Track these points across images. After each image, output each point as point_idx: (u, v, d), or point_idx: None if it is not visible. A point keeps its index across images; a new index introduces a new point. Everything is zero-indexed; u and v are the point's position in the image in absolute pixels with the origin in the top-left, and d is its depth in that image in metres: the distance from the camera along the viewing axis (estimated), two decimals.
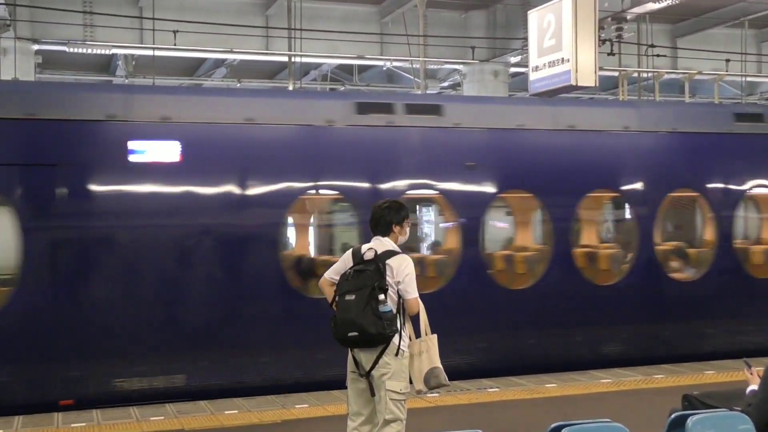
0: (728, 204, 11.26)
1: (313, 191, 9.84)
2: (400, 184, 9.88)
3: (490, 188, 10.28)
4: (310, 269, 10.01)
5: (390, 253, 5.59)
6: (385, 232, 5.74)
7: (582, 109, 11.81)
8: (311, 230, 11.25)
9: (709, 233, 11.36)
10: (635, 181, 10.97)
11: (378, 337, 5.37)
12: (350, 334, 5.38)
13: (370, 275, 5.44)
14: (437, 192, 10.21)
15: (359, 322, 5.34)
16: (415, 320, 5.69)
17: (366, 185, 9.85)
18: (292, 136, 9.71)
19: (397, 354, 5.44)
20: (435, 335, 5.65)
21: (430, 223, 12.04)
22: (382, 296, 5.38)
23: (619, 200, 11.39)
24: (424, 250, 11.94)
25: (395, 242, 5.74)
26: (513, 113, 10.81)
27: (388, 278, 5.49)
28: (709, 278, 11.07)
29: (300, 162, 9.64)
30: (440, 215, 11.38)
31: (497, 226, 11.22)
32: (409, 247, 10.38)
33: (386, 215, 5.76)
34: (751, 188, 11.54)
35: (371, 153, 9.97)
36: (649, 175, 10.98)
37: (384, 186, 9.82)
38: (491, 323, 10.04)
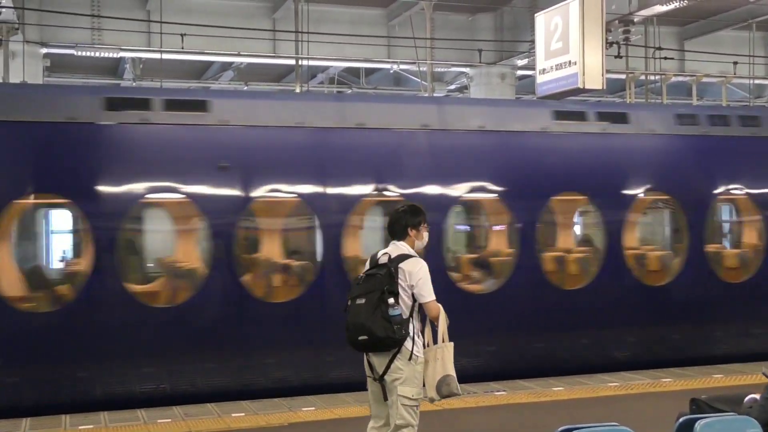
0: (533, 208, 10.18)
1: (33, 195, 8.92)
2: (148, 186, 9.03)
3: (243, 192, 9.29)
4: (26, 281, 9.09)
5: (404, 257, 5.55)
6: (401, 236, 5.70)
7: (373, 106, 10.68)
8: (28, 239, 9.87)
9: (509, 241, 10.28)
10: (427, 183, 9.84)
11: (387, 340, 5.34)
12: (360, 338, 5.36)
13: (380, 279, 5.41)
14: (185, 196, 9.14)
15: (368, 326, 5.31)
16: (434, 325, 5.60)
17: (105, 189, 8.93)
18: (19, 135, 8.73)
19: (410, 359, 5.40)
20: (452, 343, 5.55)
21: (179, 231, 10.23)
22: (391, 300, 5.34)
23: (392, 204, 9.78)
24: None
25: (412, 246, 5.68)
26: (291, 110, 9.81)
27: (400, 282, 5.44)
28: (508, 289, 9.98)
29: (24, 164, 8.73)
30: (189, 222, 9.90)
31: (253, 234, 9.82)
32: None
33: (402, 219, 5.72)
34: (559, 191, 10.44)
35: (118, 153, 9.05)
36: (446, 176, 9.95)
37: (125, 189, 8.92)
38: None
